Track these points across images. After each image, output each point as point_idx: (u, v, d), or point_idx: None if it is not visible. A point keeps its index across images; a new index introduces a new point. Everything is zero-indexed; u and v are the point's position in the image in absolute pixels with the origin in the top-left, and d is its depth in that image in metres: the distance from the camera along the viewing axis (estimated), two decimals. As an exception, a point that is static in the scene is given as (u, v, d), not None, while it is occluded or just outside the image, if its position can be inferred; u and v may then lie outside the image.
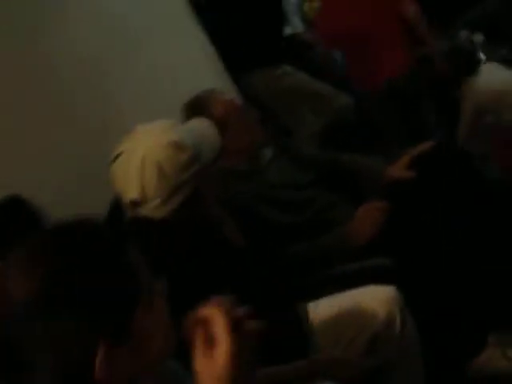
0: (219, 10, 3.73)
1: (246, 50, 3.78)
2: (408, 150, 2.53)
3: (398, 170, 2.47)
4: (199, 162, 1.78)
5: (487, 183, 2.45)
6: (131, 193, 1.75)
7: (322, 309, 1.92)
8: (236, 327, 0.94)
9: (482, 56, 3.56)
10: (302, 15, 4.28)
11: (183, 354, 1.00)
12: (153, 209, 1.76)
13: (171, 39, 3.21)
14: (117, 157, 1.78)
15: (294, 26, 4.20)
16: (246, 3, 3.83)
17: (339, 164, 2.58)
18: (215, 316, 0.94)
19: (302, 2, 4.27)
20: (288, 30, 4.16)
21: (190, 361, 0.96)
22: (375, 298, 1.87)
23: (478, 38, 3.75)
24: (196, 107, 2.35)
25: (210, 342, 0.94)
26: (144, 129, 1.81)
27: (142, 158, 1.72)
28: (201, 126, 1.90)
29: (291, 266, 2.08)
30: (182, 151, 1.75)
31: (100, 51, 2.84)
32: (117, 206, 1.92)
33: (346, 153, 2.67)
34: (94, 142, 2.55)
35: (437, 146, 2.52)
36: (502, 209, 2.22)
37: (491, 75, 3.41)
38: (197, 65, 3.26)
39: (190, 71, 3.13)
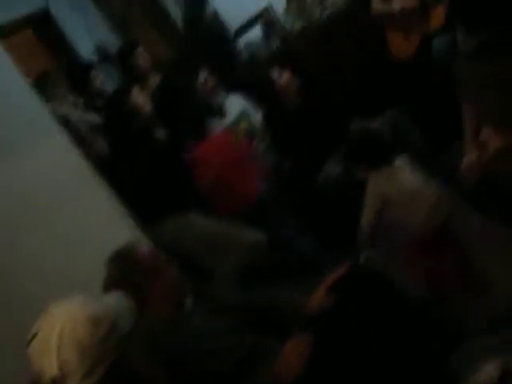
0: (123, 168, 3.83)
1: (152, 200, 3.86)
2: (324, 278, 2.59)
3: (317, 299, 2.51)
4: (117, 333, 1.79)
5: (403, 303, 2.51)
6: (51, 370, 1.73)
7: None
8: None
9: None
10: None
11: None
12: (77, 383, 1.74)
13: (79, 202, 3.24)
14: (33, 336, 1.77)
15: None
16: (147, 156, 3.97)
17: (257, 303, 2.61)
18: None
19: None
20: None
21: None
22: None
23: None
24: (122, 258, 2.38)
25: None
26: (58, 306, 1.83)
27: (60, 335, 1.73)
28: (116, 298, 1.93)
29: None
30: (99, 325, 1.77)
31: (8, 216, 2.85)
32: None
33: (263, 288, 2.71)
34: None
35: (351, 270, 2.59)
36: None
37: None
38: (109, 226, 3.29)
39: (101, 234, 3.16)
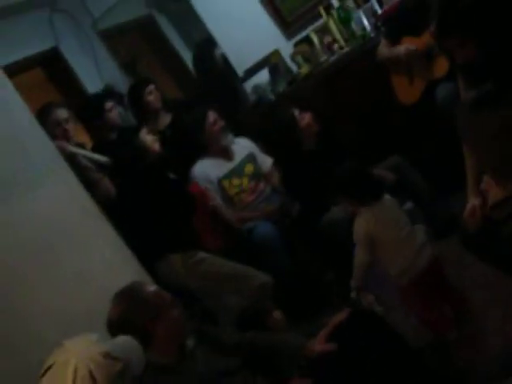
0: (131, 206, 3.87)
1: (160, 238, 3.90)
2: (326, 322, 2.62)
3: (319, 343, 2.53)
4: (130, 373, 1.82)
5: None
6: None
7: None
8: None
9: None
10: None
11: None
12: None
13: (85, 243, 3.26)
14: (47, 369, 1.80)
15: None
16: (156, 193, 4.02)
17: (258, 345, 2.63)
18: None
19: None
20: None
21: None
22: None
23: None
24: (127, 297, 2.42)
25: None
26: (73, 342, 1.85)
27: (75, 369, 1.75)
28: (127, 339, 1.96)
29: None
30: (113, 362, 1.79)
31: (15, 254, 2.88)
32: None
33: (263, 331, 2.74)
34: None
35: (352, 315, 2.61)
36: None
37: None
38: (113, 266, 3.31)
39: (106, 274, 3.18)
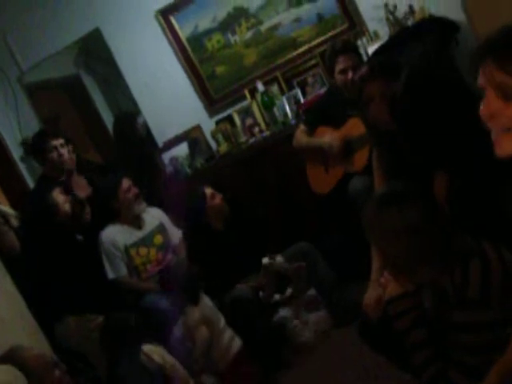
0: (34, 263, 3.79)
1: (59, 299, 3.82)
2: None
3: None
4: None
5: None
6: None
7: None
8: None
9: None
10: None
11: None
12: None
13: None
14: None
15: (118, 270, 4.30)
16: (60, 253, 3.95)
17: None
18: None
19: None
20: (111, 275, 4.26)
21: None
22: None
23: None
24: (8, 360, 2.36)
25: None
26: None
27: None
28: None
29: None
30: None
31: None
32: None
33: None
34: None
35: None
36: None
37: None
38: (6, 321, 3.21)
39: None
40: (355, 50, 4.31)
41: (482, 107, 1.52)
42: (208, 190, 4.45)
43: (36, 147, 4.64)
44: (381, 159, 3.01)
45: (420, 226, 1.96)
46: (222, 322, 3.93)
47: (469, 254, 1.99)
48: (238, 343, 3.91)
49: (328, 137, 4.26)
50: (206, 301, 3.97)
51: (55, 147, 4.54)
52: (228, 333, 3.91)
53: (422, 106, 2.47)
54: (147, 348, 3.37)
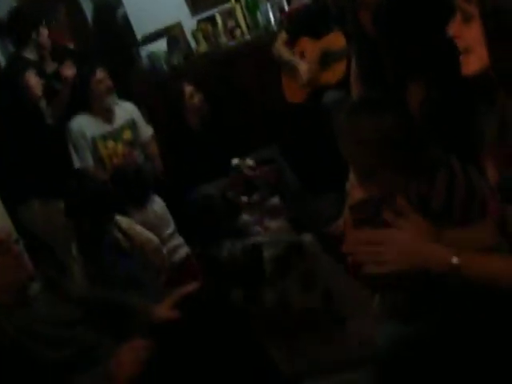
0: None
1: (25, 182, 3.81)
2: (174, 291, 2.65)
3: (165, 310, 2.56)
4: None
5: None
6: None
7: None
8: None
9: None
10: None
11: None
12: None
13: None
14: None
15: (84, 160, 4.27)
16: (28, 137, 3.92)
17: (103, 300, 2.63)
18: None
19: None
20: (77, 164, 4.24)
21: None
22: None
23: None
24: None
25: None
26: None
27: None
28: None
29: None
30: None
31: None
32: None
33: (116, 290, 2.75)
34: None
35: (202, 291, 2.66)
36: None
37: None
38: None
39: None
40: None
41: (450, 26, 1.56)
42: (188, 88, 4.40)
43: (14, 26, 4.48)
44: (359, 68, 3.00)
45: (390, 134, 1.97)
46: (171, 228, 3.93)
47: (436, 166, 2.00)
48: (184, 251, 3.94)
49: (303, 66, 4.22)
50: (155, 205, 3.95)
51: (35, 26, 4.42)
52: (175, 240, 3.92)
53: (404, 17, 2.46)
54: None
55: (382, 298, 2.18)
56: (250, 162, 4.14)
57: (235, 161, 4.12)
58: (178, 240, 3.93)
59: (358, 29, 2.79)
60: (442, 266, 1.64)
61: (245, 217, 4.17)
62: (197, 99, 4.41)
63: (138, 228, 3.48)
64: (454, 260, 1.62)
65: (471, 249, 1.67)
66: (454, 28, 1.55)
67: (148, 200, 3.88)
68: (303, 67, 4.21)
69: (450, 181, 1.97)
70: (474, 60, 1.53)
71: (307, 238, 3.15)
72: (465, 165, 2.03)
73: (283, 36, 4.39)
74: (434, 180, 1.97)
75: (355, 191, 2.25)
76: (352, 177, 2.32)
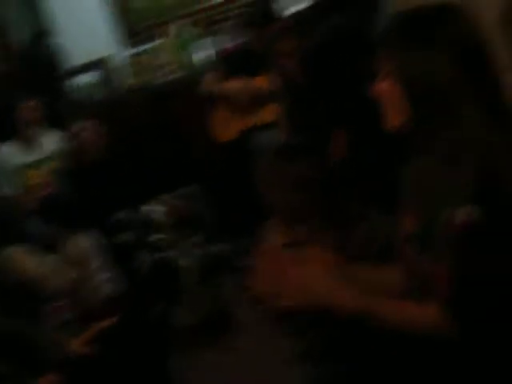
0: None
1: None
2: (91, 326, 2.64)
3: (80, 344, 2.54)
4: None
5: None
6: None
7: None
8: None
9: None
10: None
11: None
12: None
13: None
14: None
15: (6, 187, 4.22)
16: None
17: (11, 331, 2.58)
18: None
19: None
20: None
21: None
22: None
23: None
24: None
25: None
26: None
27: None
28: None
29: None
30: None
31: None
32: None
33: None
34: None
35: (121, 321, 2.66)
36: None
37: None
38: None
39: None
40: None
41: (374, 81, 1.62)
42: (86, 123, 4.35)
43: None
44: (287, 113, 3.06)
45: (309, 181, 2.02)
46: (97, 262, 3.87)
47: (355, 216, 2.06)
48: (107, 289, 3.87)
49: (237, 86, 4.27)
50: (80, 239, 3.89)
51: None
52: (102, 275, 3.86)
53: (328, 67, 2.53)
54: None
55: (294, 339, 2.20)
56: (159, 208, 4.13)
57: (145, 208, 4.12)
58: (105, 275, 3.88)
59: (282, 75, 2.87)
60: (350, 307, 1.67)
61: (168, 253, 4.14)
62: (89, 133, 4.34)
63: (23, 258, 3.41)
64: (362, 301, 1.65)
65: (380, 291, 1.72)
66: (376, 83, 1.61)
67: (73, 232, 3.83)
68: (235, 87, 4.26)
69: (368, 231, 2.02)
70: (395, 116, 1.59)
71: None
72: (383, 216, 2.09)
73: (214, 74, 4.43)
74: (352, 230, 2.02)
75: (276, 235, 2.29)
76: (270, 222, 2.35)
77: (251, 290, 1.83)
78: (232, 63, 4.46)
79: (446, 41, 1.52)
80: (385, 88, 1.58)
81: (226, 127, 4.39)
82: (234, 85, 4.28)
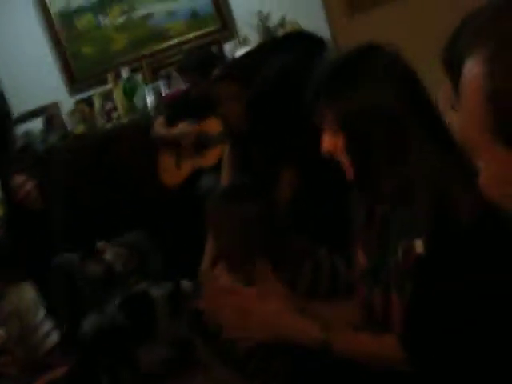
0: None
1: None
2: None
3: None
4: None
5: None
6: None
7: None
8: None
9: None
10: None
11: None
12: None
13: None
14: None
15: None
16: None
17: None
18: None
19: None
20: None
21: None
22: None
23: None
24: None
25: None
26: None
27: None
28: None
29: None
30: None
31: None
32: None
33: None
34: None
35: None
36: None
37: None
38: None
39: None
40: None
41: None
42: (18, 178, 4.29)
43: None
44: (232, 156, 3.09)
45: (256, 223, 2.03)
46: (41, 314, 3.78)
47: (302, 255, 2.07)
48: (53, 338, 3.76)
49: (183, 129, 4.30)
50: (23, 291, 3.79)
51: None
52: (46, 326, 3.77)
53: (272, 111, 2.57)
54: None
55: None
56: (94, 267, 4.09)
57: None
58: (48, 325, 3.79)
59: (225, 118, 2.89)
60: (311, 340, 1.68)
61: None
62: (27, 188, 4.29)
63: None
64: (322, 334, 1.66)
65: (337, 326, 1.73)
66: (323, 139, 1.63)
67: (15, 283, 3.74)
68: (181, 129, 4.29)
69: (315, 269, 2.04)
70: (347, 170, 1.61)
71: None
72: (332, 253, 2.11)
73: (161, 120, 4.45)
74: (300, 268, 2.04)
75: (224, 277, 2.28)
76: (220, 264, 2.35)
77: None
78: (176, 108, 4.51)
79: (382, 75, 1.55)
80: (329, 141, 1.60)
81: (173, 171, 4.40)
82: (179, 130, 4.31)
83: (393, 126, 1.53)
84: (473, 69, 0.78)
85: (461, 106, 0.82)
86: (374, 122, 1.52)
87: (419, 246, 1.49)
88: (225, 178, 3.14)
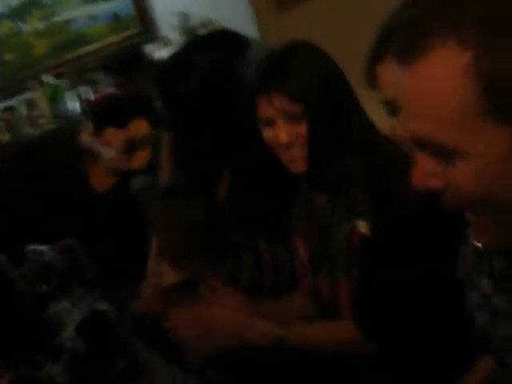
0: None
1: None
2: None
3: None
4: None
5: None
6: None
7: None
8: None
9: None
10: None
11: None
12: None
13: None
14: None
15: None
16: None
17: None
18: None
19: None
20: None
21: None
22: None
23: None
24: None
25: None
26: None
27: None
28: None
29: None
30: None
31: None
32: None
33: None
34: None
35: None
36: None
37: None
38: None
39: None
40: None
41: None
42: None
43: None
44: (170, 153, 3.10)
45: (197, 220, 2.06)
46: None
47: (241, 248, 2.12)
48: None
49: (108, 152, 4.29)
50: None
51: None
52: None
53: (204, 108, 2.58)
54: None
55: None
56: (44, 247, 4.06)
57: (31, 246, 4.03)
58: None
59: (159, 118, 2.90)
60: (268, 338, 1.72)
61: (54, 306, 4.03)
62: None
63: None
64: (279, 332, 1.71)
65: (285, 319, 1.78)
66: (263, 132, 1.66)
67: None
68: (108, 155, 4.28)
69: (256, 261, 2.09)
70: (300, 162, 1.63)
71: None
72: (272, 245, 2.15)
73: (89, 126, 4.42)
74: (239, 261, 2.08)
75: (168, 275, 2.31)
76: (164, 262, 2.36)
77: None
78: (101, 113, 4.49)
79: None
80: (290, 131, 1.60)
81: (102, 176, 4.38)
82: (106, 134, 4.30)
83: (342, 95, 1.59)
84: (456, 55, 0.80)
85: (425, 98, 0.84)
86: (329, 89, 1.58)
87: (362, 225, 1.54)
88: (164, 174, 3.14)
